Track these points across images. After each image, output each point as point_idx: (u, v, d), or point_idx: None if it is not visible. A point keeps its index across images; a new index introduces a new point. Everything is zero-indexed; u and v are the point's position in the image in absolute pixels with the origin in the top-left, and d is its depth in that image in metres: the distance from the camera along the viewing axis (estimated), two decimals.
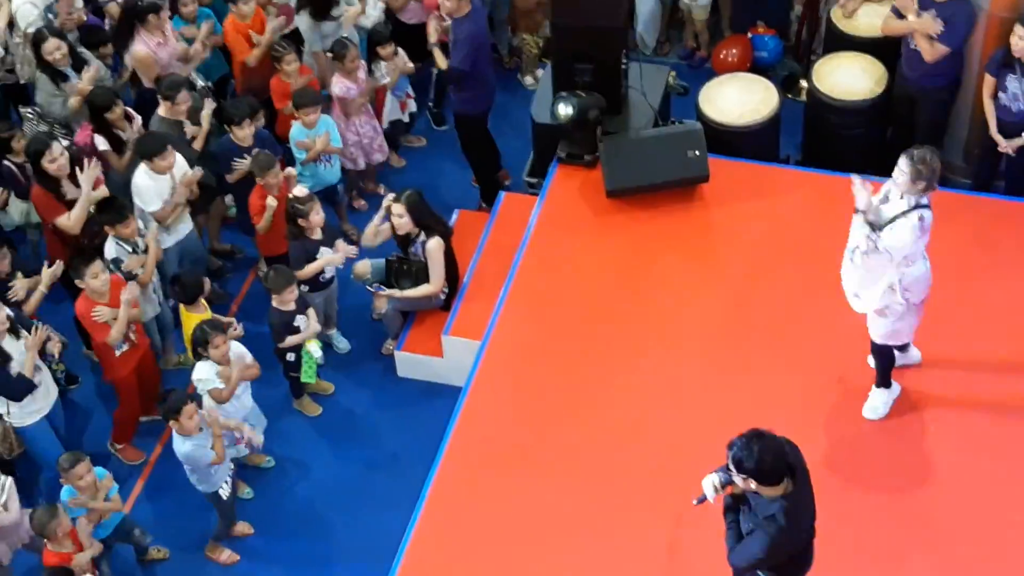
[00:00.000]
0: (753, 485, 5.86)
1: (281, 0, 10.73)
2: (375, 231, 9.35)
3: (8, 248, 8.86)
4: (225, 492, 8.21)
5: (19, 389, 8.23)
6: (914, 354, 8.20)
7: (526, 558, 7.67)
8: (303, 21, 10.51)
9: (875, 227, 7.34)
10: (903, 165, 7.14)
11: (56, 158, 8.90)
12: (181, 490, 8.31)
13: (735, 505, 6.12)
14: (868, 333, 7.79)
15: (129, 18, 9.97)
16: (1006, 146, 9.19)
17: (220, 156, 9.66)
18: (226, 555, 8.56)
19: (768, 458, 5.75)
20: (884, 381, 8.04)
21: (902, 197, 7.22)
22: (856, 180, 7.40)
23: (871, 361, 8.15)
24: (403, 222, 9.03)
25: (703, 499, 6.23)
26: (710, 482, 6.15)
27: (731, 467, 5.89)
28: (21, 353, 8.20)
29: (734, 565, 6.26)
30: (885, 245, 7.25)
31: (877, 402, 8.08)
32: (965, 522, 7.55)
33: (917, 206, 7.17)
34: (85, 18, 10.37)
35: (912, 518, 7.63)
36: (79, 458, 7.70)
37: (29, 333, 8.29)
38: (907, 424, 8.09)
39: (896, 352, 8.03)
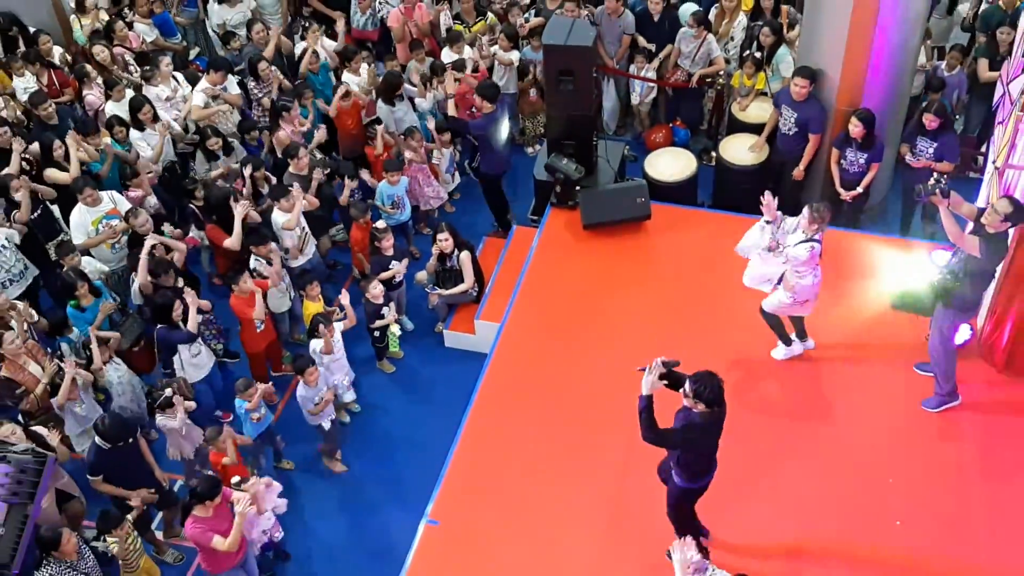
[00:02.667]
0: (693, 401, 6.04)
1: (368, 98, 10.85)
2: (431, 268, 9.57)
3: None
4: (326, 425, 8.40)
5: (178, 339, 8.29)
6: (810, 343, 8.35)
7: (531, 470, 7.87)
8: (382, 109, 10.64)
9: (779, 244, 7.54)
10: (806, 212, 7.36)
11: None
12: (302, 424, 8.47)
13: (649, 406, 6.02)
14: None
15: (276, 111, 10.22)
16: (846, 195, 9.43)
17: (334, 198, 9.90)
18: (339, 466, 8.77)
19: (708, 390, 5.98)
20: (785, 340, 8.23)
21: (803, 232, 7.45)
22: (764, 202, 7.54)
23: (776, 353, 8.34)
24: (448, 243, 9.28)
25: (644, 368, 6.11)
26: (658, 364, 6.12)
27: (687, 383, 6.01)
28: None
29: (652, 440, 6.14)
30: (789, 253, 7.50)
31: (780, 352, 8.32)
32: (831, 432, 7.88)
33: (811, 239, 7.42)
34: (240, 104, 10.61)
35: (789, 431, 7.92)
36: (250, 383, 8.10)
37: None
38: (795, 369, 8.34)
39: (798, 341, 8.27)
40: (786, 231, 7.61)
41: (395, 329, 9.24)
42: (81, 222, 9.04)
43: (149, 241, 8.69)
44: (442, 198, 10.76)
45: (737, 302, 8.31)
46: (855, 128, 9.04)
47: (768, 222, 7.65)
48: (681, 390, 6.14)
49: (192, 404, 8.03)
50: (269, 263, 8.99)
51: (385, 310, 9.12)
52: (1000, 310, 7.97)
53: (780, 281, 7.81)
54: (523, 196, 10.95)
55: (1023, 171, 7.57)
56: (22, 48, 10.92)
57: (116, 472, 7.56)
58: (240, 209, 9.08)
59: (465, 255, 9.46)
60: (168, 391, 7.84)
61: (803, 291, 7.70)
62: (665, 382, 6.14)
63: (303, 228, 9.37)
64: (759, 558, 7.14)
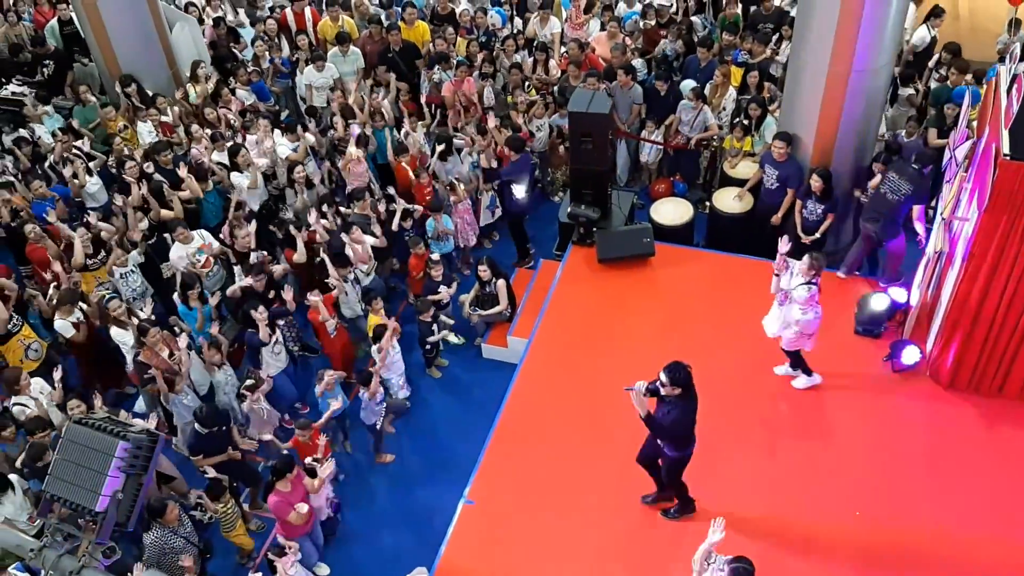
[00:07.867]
0: (671, 388, 6.27)
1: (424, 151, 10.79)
2: (470, 299, 9.47)
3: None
4: (378, 424, 8.41)
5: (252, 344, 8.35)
6: (816, 378, 8.11)
7: (553, 458, 7.85)
8: (436, 163, 10.50)
9: (788, 295, 7.51)
10: (806, 260, 7.31)
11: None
12: (359, 422, 8.47)
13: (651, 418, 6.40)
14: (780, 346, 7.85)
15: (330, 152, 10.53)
16: (805, 239, 9.16)
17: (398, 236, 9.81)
18: (389, 457, 8.72)
19: (681, 374, 6.25)
20: (806, 371, 8.06)
21: (803, 277, 7.37)
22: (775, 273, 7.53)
23: (778, 369, 8.18)
24: (487, 273, 9.32)
25: (632, 389, 6.28)
26: (641, 385, 6.33)
27: (661, 375, 6.24)
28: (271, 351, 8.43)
29: (658, 429, 6.45)
30: (792, 295, 7.45)
31: (801, 382, 8.12)
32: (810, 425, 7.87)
33: (809, 282, 7.37)
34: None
35: (766, 429, 7.89)
36: (325, 373, 8.09)
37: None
38: (774, 383, 8.20)
39: (805, 376, 8.06)
40: (791, 275, 7.57)
41: (452, 337, 9.24)
42: (177, 253, 9.32)
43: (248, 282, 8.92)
44: (474, 237, 10.57)
45: (724, 325, 8.27)
46: (815, 183, 8.96)
47: (777, 275, 7.61)
48: (657, 384, 6.36)
49: (267, 386, 8.14)
50: (345, 279, 9.03)
51: (435, 327, 9.15)
52: (946, 336, 7.89)
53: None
54: (549, 235, 10.90)
55: (966, 221, 7.53)
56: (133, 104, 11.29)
57: (211, 454, 7.69)
58: (295, 232, 9.34)
59: (501, 282, 9.45)
60: (251, 380, 8.06)
61: (807, 325, 7.59)
62: (650, 394, 6.50)
63: (370, 256, 9.45)
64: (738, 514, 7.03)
